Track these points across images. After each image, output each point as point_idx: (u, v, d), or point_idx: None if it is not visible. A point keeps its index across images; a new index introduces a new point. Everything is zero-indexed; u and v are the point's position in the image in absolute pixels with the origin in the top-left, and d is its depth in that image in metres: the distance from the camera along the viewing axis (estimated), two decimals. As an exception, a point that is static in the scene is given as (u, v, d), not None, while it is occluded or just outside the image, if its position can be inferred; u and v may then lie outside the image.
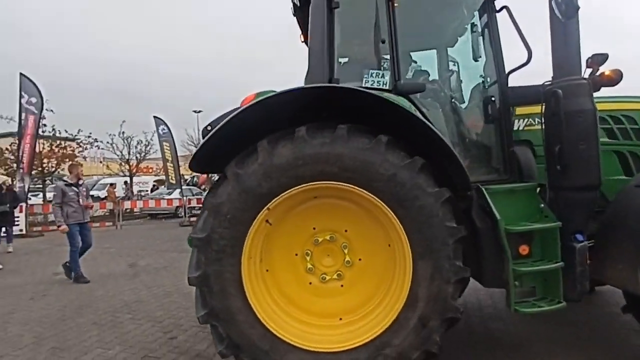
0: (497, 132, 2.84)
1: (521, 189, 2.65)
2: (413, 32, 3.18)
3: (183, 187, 18.48)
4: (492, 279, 2.47)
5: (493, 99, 2.81)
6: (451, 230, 2.22)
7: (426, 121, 2.34)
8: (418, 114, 2.44)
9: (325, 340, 2.35)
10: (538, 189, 2.70)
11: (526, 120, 3.02)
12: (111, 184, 22.05)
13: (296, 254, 2.53)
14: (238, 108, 2.37)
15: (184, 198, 16.53)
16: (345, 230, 2.52)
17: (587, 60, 2.61)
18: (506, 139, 2.79)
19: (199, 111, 42.64)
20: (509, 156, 2.76)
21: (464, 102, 3.26)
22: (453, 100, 3.18)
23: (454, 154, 2.31)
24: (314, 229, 2.52)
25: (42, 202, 16.20)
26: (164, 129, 18.94)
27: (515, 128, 2.96)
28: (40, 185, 18.45)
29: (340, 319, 2.47)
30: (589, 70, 2.61)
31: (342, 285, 2.51)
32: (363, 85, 2.73)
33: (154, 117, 20.34)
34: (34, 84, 12.75)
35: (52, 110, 16.13)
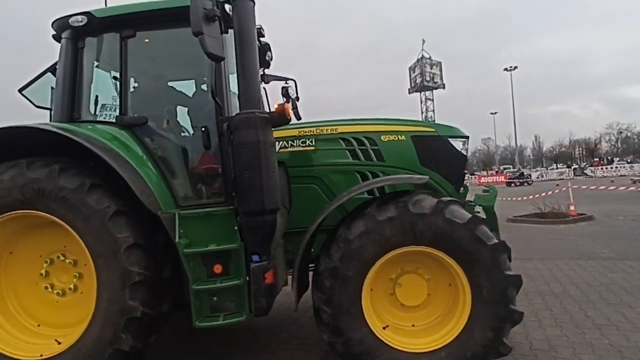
0: (215, 159, 2.88)
1: (218, 212, 2.75)
2: (162, 66, 3.37)
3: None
4: (187, 295, 2.61)
5: (203, 129, 2.85)
6: (120, 239, 2.49)
7: (100, 151, 2.56)
8: (90, 145, 2.58)
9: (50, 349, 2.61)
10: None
11: (281, 143, 3.13)
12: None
13: (40, 273, 2.79)
14: None
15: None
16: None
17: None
18: (222, 165, 2.81)
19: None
20: (225, 182, 2.79)
21: (193, 131, 3.28)
22: (183, 129, 3.25)
23: (126, 179, 2.54)
24: (65, 247, 2.77)
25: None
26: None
27: None
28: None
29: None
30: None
31: (57, 302, 2.79)
32: (98, 119, 3.02)
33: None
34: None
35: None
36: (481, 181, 41.72)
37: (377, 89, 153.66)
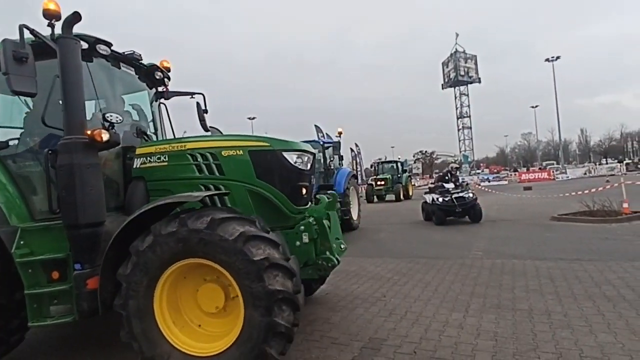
0: (46, 179, 3.12)
1: (56, 226, 3.00)
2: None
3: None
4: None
5: (51, 151, 3.03)
6: None
7: None
8: None
9: None
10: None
11: (142, 159, 3.39)
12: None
13: None
14: None
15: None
16: None
17: None
18: (51, 184, 3.06)
19: (253, 118, 44.47)
20: (56, 199, 3.05)
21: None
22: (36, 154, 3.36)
23: None
24: None
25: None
26: (220, 138, 20.04)
27: (135, 166, 3.40)
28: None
29: None
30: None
31: None
32: None
33: (210, 127, 21.54)
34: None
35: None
36: (522, 178, 39.83)
37: (408, 86, 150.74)
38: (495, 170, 50.85)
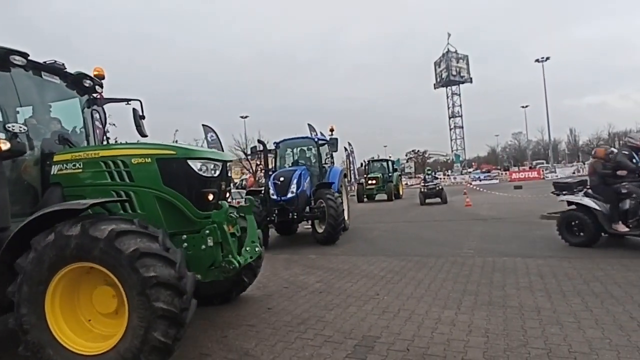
0: None
1: None
2: None
3: (232, 190, 19.33)
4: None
5: None
6: None
7: None
8: None
9: None
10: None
11: (59, 165, 3.50)
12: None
13: None
14: None
15: (234, 200, 17.28)
16: None
17: None
18: None
19: (246, 116, 44.30)
20: None
21: None
22: None
23: None
24: None
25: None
26: (212, 136, 20.00)
27: (52, 172, 3.50)
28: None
29: None
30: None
31: None
32: None
33: (203, 125, 21.47)
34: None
35: (114, 124, 17.69)
36: (512, 177, 40.29)
37: (401, 86, 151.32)
38: (485, 170, 51.34)
